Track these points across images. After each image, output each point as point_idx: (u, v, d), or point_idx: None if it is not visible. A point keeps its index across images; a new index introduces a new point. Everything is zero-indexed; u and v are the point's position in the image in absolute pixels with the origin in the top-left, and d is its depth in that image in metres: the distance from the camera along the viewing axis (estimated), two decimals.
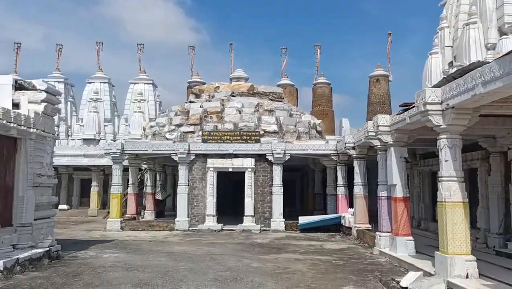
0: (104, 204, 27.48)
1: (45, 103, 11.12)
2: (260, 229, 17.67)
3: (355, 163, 15.41)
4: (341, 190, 17.90)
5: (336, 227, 17.56)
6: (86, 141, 29.18)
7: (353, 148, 15.31)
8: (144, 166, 22.05)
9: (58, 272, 9.03)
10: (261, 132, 19.33)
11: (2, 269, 8.27)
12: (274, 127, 19.68)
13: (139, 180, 21.54)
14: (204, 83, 30.47)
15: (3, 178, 9.71)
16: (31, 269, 9.14)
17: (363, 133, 13.37)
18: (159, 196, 23.74)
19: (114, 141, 25.47)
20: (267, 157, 18.37)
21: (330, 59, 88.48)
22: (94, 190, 27.05)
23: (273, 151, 18.15)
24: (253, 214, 18.12)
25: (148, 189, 21.69)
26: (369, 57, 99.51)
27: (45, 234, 10.93)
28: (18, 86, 11.24)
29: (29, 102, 10.81)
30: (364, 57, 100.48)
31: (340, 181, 18.00)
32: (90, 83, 32.25)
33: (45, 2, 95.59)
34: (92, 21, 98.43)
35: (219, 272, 9.31)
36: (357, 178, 15.22)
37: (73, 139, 29.72)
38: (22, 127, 9.90)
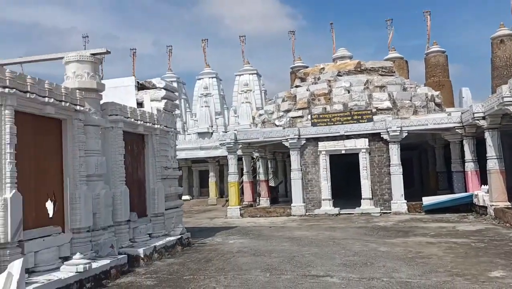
0: (222, 193, 28.83)
1: (165, 100, 11.79)
2: (380, 212, 16.86)
3: (487, 135, 13.78)
4: (470, 166, 16.25)
5: (466, 207, 16.00)
6: (201, 134, 30.83)
7: (483, 118, 13.71)
8: (255, 155, 22.50)
9: (191, 258, 9.51)
10: (373, 110, 18.36)
11: (142, 256, 8.96)
12: (387, 104, 18.55)
13: (252, 168, 22.05)
14: (306, 67, 30.04)
15: (135, 172, 10.51)
16: (167, 256, 9.77)
17: (495, 100, 11.85)
18: (272, 183, 24.05)
19: (225, 132, 26.46)
20: (382, 136, 17.38)
21: (439, 26, 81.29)
22: (212, 180, 28.49)
23: (388, 129, 17.10)
24: (371, 196, 17.34)
25: (261, 177, 22.08)
26: (486, 17, 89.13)
27: (176, 223, 11.67)
28: (140, 86, 12.08)
29: (151, 100, 11.56)
30: (480, 18, 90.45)
31: (468, 156, 16.34)
32: (199, 79, 33.89)
33: (151, 10, 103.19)
34: (194, 21, 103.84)
35: (346, 257, 8.98)
36: (490, 151, 13.62)
37: (189, 134, 31.61)
38: (148, 124, 10.58)
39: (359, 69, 20.75)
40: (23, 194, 6.64)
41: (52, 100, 7.32)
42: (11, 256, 6.29)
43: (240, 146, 19.65)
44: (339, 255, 9.13)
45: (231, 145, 19.02)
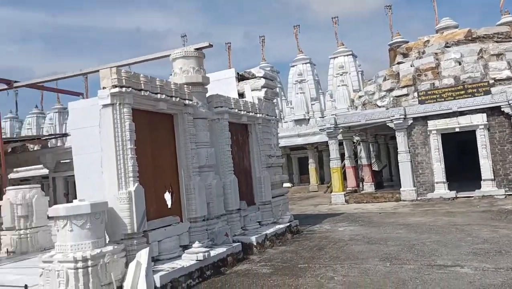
0: (322, 179, 28.43)
1: (265, 89, 11.74)
2: (504, 194, 15.16)
3: None
4: None
5: None
6: (297, 121, 30.61)
7: None
8: (356, 138, 21.67)
9: (303, 246, 9.37)
10: (490, 81, 16.52)
11: (255, 244, 9.03)
12: (507, 73, 16.55)
13: (353, 152, 21.28)
14: (407, 42, 28.04)
15: (242, 162, 10.64)
16: (278, 244, 9.75)
17: None
18: (375, 167, 22.98)
19: (322, 118, 25.90)
20: (502, 109, 15.52)
21: None
22: (312, 166, 28.21)
23: (510, 101, 15.21)
24: (492, 177, 15.63)
25: (363, 161, 21.22)
26: None
27: (283, 211, 11.64)
28: (240, 77, 12.18)
29: (251, 90, 11.58)
30: None
31: None
32: (293, 66, 33.56)
33: (241, 4, 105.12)
34: (282, 10, 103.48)
35: (474, 244, 8.12)
36: None
37: (286, 122, 31.57)
38: (250, 113, 10.61)
39: (470, 38, 18.79)
40: (144, 187, 7.01)
41: (164, 96, 7.61)
42: (138, 245, 6.67)
43: (341, 130, 19.04)
44: (465, 243, 8.30)
45: (331, 130, 18.50)
